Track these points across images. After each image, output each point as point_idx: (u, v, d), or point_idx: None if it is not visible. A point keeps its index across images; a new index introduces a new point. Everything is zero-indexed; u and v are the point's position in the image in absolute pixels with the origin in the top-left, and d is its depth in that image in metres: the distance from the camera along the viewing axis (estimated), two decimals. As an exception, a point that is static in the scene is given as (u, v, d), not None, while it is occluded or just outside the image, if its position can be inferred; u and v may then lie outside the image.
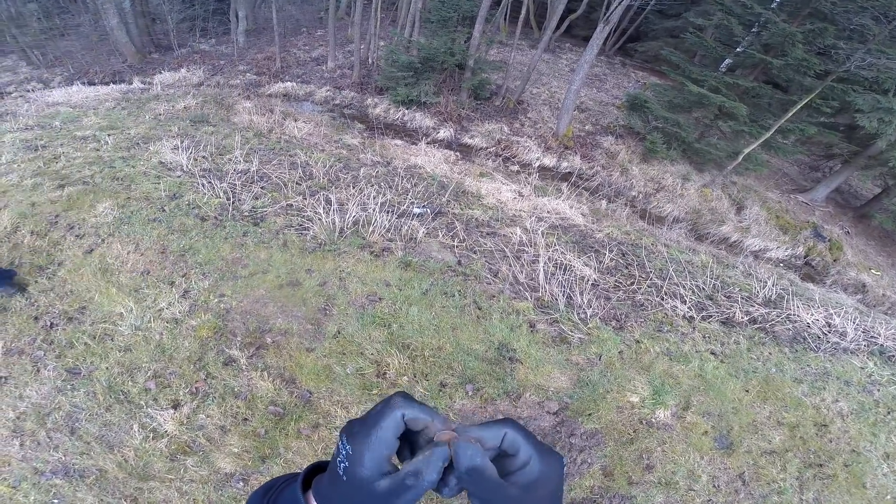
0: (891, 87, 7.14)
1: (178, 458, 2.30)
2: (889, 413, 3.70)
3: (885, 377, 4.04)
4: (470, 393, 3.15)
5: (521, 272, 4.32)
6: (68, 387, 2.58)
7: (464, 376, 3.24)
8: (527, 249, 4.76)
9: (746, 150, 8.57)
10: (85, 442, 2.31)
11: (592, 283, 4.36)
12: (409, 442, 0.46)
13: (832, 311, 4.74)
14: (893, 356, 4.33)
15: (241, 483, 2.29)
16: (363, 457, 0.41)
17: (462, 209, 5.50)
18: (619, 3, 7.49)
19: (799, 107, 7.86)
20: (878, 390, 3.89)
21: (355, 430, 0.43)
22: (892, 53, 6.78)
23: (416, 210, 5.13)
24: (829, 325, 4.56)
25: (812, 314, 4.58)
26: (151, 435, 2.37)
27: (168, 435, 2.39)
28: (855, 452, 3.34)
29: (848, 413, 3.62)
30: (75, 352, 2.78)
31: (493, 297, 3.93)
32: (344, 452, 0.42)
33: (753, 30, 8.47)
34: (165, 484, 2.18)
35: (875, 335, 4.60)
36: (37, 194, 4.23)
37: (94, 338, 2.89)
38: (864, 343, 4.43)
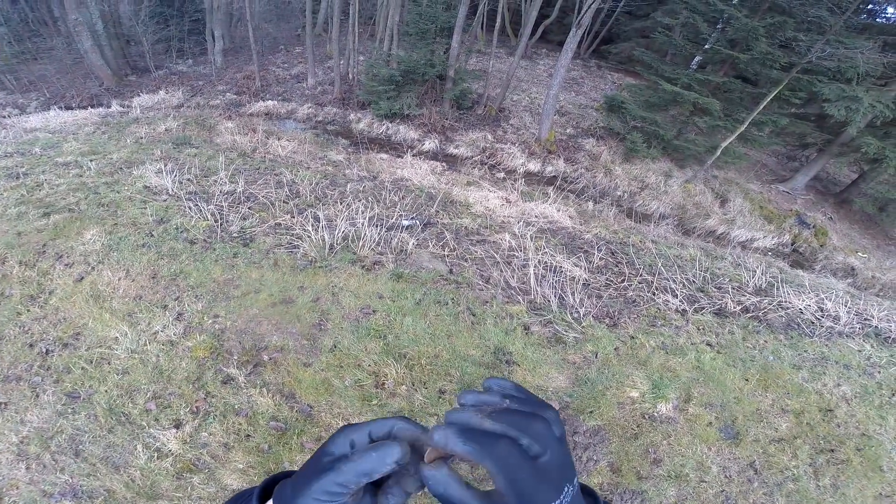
0: (853, 76, 7.53)
1: (185, 477, 2.40)
2: (894, 395, 3.80)
3: (883, 359, 4.18)
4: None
5: (513, 277, 4.50)
6: (69, 410, 2.66)
7: (462, 382, 3.37)
8: (517, 254, 4.95)
9: (724, 144, 8.97)
10: (90, 464, 2.40)
11: (583, 283, 4.55)
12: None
13: (823, 296, 4.95)
14: (890, 337, 4.50)
15: (247, 498, 2.39)
16: (338, 436, 0.43)
17: (451, 219, 5.70)
18: (589, 6, 7.90)
19: (769, 99, 8.29)
20: (879, 372, 4.01)
21: (354, 424, 0.45)
22: (850, 43, 7.21)
23: (405, 222, 5.32)
24: (822, 310, 4.75)
25: (803, 300, 4.79)
26: (156, 455, 2.47)
27: (172, 454, 2.48)
28: (865, 436, 3.41)
29: (852, 397, 3.71)
30: (73, 376, 2.87)
31: (487, 302, 4.09)
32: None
33: (718, 26, 8.98)
34: (174, 502, 2.27)
35: (868, 317, 4.78)
36: (22, 223, 4.33)
37: (91, 362, 2.99)
38: (858, 326, 4.58)
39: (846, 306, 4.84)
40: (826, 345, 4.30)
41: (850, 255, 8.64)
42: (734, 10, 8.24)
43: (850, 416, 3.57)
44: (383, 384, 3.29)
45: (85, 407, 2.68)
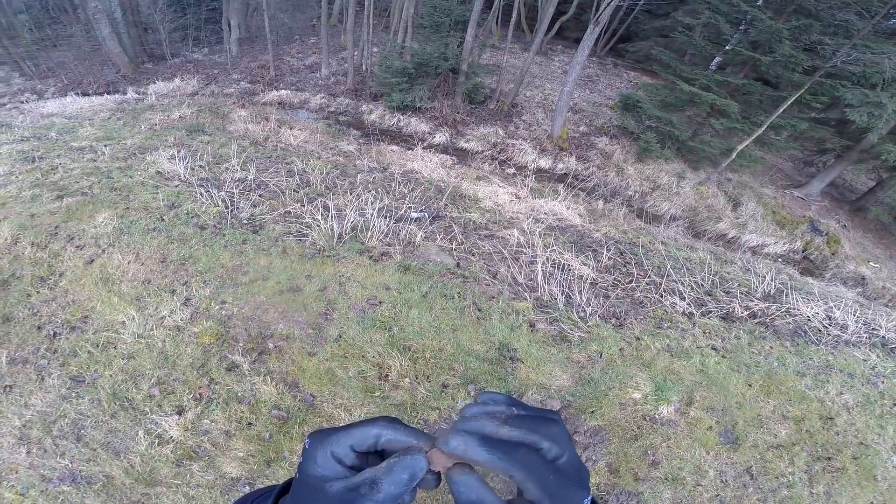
0: (878, 82, 7.28)
1: (185, 464, 2.36)
2: (895, 405, 3.72)
3: (888, 369, 4.08)
4: (472, 393, 3.20)
5: (520, 273, 4.40)
6: (73, 394, 2.63)
7: (465, 377, 3.30)
8: (525, 250, 4.84)
9: (740, 147, 8.72)
10: (91, 449, 2.37)
11: (591, 282, 4.43)
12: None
13: (832, 305, 4.81)
14: (895, 347, 4.37)
15: (247, 487, 2.34)
16: (315, 452, 0.39)
17: (459, 212, 5.59)
18: (609, 4, 7.65)
19: (789, 103, 8.02)
20: (882, 382, 3.93)
21: (324, 430, 0.41)
22: (877, 48, 6.95)
23: (414, 214, 5.22)
24: (830, 319, 4.62)
25: (812, 308, 4.65)
26: (157, 441, 2.43)
27: (173, 441, 2.44)
28: (863, 445, 3.36)
29: (853, 405, 3.64)
30: (79, 360, 2.84)
31: (493, 298, 4.00)
32: (302, 449, 0.41)
33: (741, 27, 8.67)
34: (172, 489, 2.23)
35: (876, 327, 4.66)
36: (36, 206, 4.31)
37: (98, 346, 2.95)
38: (865, 335, 4.48)
39: (854, 315, 4.70)
40: (832, 353, 4.20)
41: (862, 264, 8.40)
42: (758, 11, 7.95)
43: (850, 424, 3.51)
44: (387, 376, 3.23)
45: (89, 391, 2.65)
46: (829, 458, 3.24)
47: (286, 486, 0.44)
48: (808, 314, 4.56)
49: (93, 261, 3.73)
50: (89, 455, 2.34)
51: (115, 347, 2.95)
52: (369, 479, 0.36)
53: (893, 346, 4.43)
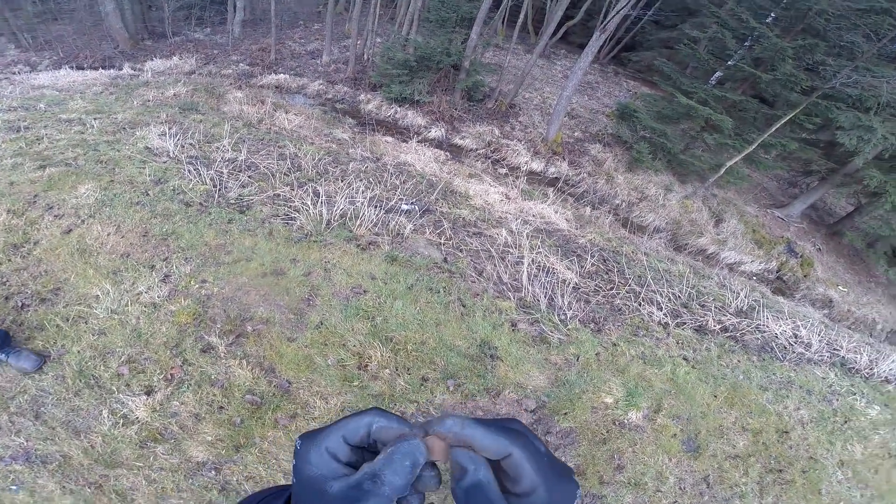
0: (872, 105, 7.22)
1: (149, 446, 2.21)
2: (846, 422, 3.83)
3: (844, 388, 4.18)
4: (451, 388, 3.13)
5: (506, 272, 4.32)
6: (36, 370, 2.44)
7: (446, 371, 3.22)
8: (511, 251, 4.77)
9: (729, 164, 8.66)
10: (50, 427, 2.20)
11: (573, 287, 4.39)
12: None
13: (799, 324, 4.88)
14: (854, 368, 4.48)
15: (212, 472, 2.22)
16: (308, 451, 0.36)
17: (450, 208, 5.48)
18: (617, 13, 7.52)
19: (783, 122, 7.94)
20: (837, 400, 4.02)
21: (314, 430, 0.38)
22: (878, 71, 6.88)
23: (405, 206, 5.09)
24: (796, 337, 4.69)
25: (780, 326, 4.71)
26: (121, 421, 2.27)
27: (139, 421, 2.29)
28: (812, 459, 3.43)
29: (808, 421, 3.72)
30: (46, 334, 2.64)
31: (478, 295, 3.92)
32: (294, 452, 0.38)
33: (746, 44, 8.54)
34: (133, 471, 2.09)
35: (837, 348, 4.75)
36: (16, 174, 4.05)
37: (67, 320, 2.76)
38: (827, 355, 4.57)
39: (819, 335, 4.79)
40: (794, 369, 4.28)
41: (832, 287, 8.55)
42: (766, 28, 7.83)
43: (803, 438, 3.57)
44: (366, 366, 3.13)
45: (54, 367, 2.47)
46: (781, 471, 3.30)
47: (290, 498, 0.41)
48: (777, 331, 4.62)
49: (70, 231, 3.50)
50: (47, 433, 2.18)
51: (85, 322, 2.76)
52: (370, 474, 0.34)
53: (851, 366, 4.53)
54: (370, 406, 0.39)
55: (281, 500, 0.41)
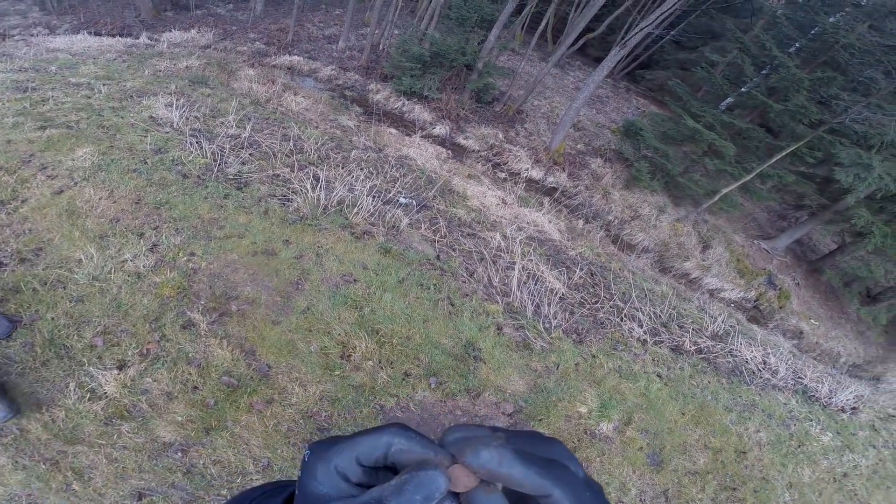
0: (875, 144, 7.00)
1: (114, 423, 2.08)
2: (800, 446, 3.88)
3: (803, 414, 4.24)
4: (433, 386, 3.04)
5: (496, 276, 4.23)
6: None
7: (429, 368, 3.13)
8: (503, 255, 4.67)
9: (725, 190, 8.54)
10: (9, 399, 2.03)
11: (560, 297, 4.32)
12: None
13: (769, 351, 4.91)
14: (814, 396, 4.54)
15: (179, 454, 2.09)
16: (316, 466, 0.32)
17: (447, 206, 5.36)
18: (640, 30, 7.32)
19: (785, 153, 7.76)
20: (795, 425, 4.07)
21: (326, 441, 0.33)
22: (891, 109, 6.68)
23: (403, 200, 4.96)
24: (765, 363, 4.72)
25: (752, 351, 4.73)
26: (88, 395, 2.13)
27: (107, 397, 2.15)
28: (765, 479, 3.47)
29: (766, 443, 3.76)
30: (21, 297, 2.47)
31: (467, 295, 3.83)
32: (302, 461, 0.34)
33: (763, 71, 8.27)
34: (94, 449, 1.95)
35: (802, 376, 4.81)
36: (15, 133, 3.85)
37: (45, 283, 2.60)
38: (791, 382, 4.62)
39: (786, 363, 4.83)
40: (759, 393, 4.32)
41: (804, 320, 8.60)
42: (787, 58, 7.57)
43: (759, 459, 3.60)
44: (350, 356, 3.02)
45: (24, 334, 2.30)
46: (735, 489, 3.33)
47: (289, 498, 0.38)
48: (748, 356, 4.63)
49: (62, 192, 3.31)
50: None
51: (64, 287, 2.60)
52: (375, 500, 0.29)
53: (812, 394, 4.58)
54: (390, 422, 0.35)
55: (278, 499, 0.38)
